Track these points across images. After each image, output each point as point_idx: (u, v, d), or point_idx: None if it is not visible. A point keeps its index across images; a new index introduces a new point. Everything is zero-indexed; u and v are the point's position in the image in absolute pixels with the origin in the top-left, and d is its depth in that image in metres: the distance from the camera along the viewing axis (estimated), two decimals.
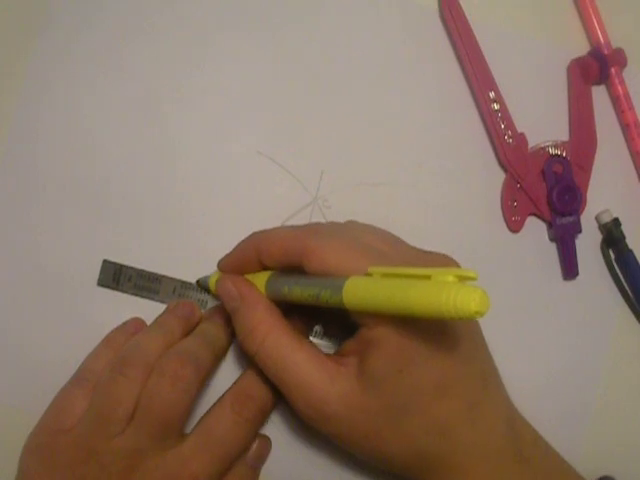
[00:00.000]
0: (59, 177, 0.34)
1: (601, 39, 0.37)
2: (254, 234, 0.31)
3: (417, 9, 0.37)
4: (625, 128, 0.37)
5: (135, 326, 0.33)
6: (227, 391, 0.31)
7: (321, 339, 0.34)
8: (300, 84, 0.36)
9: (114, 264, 0.34)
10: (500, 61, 0.36)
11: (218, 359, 0.32)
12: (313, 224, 0.32)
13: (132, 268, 0.34)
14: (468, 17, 0.36)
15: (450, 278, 0.22)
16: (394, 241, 0.30)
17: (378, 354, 0.26)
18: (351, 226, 0.31)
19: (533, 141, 0.36)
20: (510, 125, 0.36)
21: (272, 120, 0.36)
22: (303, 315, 0.32)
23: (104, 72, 0.35)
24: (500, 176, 0.36)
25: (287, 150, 0.35)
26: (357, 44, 0.36)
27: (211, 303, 0.34)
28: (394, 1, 0.37)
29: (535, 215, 0.36)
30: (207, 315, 0.34)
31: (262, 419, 0.31)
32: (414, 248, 0.30)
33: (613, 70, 0.37)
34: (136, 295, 0.34)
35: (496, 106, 0.35)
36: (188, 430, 0.30)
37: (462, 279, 0.22)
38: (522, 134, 0.36)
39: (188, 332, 0.32)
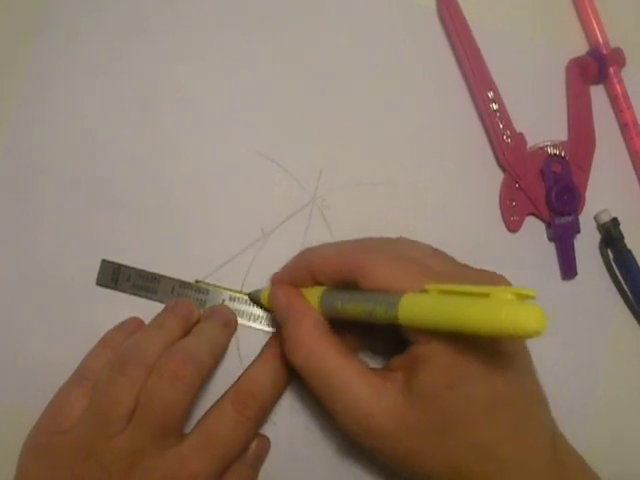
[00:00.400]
0: (59, 177, 0.34)
1: (600, 39, 0.37)
2: (307, 250, 0.32)
3: (415, 9, 0.37)
4: (624, 127, 0.37)
5: (133, 325, 0.33)
6: (227, 391, 0.31)
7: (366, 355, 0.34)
8: (299, 84, 0.36)
9: (113, 264, 0.34)
10: (498, 61, 0.36)
11: (217, 359, 0.32)
12: (364, 240, 0.31)
13: (131, 268, 0.34)
14: (466, 17, 0.36)
15: (509, 296, 0.22)
16: (445, 258, 0.30)
17: (428, 370, 0.26)
18: (402, 242, 0.31)
19: (532, 141, 0.36)
20: (509, 125, 0.36)
21: (271, 120, 0.36)
22: (352, 331, 0.32)
23: (104, 72, 0.35)
24: (499, 176, 0.36)
25: (286, 150, 0.35)
26: (356, 44, 0.36)
27: (209, 303, 0.34)
28: (392, 1, 0.37)
29: (534, 215, 0.36)
30: (205, 315, 0.34)
31: (263, 418, 0.31)
32: (465, 265, 0.30)
33: (612, 70, 0.37)
34: (135, 295, 0.34)
35: (495, 106, 0.35)
36: (187, 430, 0.30)
37: (520, 297, 0.22)
38: (521, 134, 0.36)
39: (187, 331, 0.32)
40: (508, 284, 0.28)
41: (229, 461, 0.30)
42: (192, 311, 0.33)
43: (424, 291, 0.25)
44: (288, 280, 0.32)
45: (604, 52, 0.37)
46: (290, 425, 0.34)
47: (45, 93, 0.35)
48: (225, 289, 0.34)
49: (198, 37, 0.36)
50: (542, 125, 0.36)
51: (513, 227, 0.36)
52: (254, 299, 0.34)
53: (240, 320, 0.34)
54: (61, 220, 0.34)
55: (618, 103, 0.37)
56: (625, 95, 0.37)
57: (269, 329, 0.34)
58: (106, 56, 0.35)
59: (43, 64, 0.35)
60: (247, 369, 0.32)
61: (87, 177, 0.35)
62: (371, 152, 0.36)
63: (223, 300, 0.34)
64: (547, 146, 0.36)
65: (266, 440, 0.33)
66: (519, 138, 0.36)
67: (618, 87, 0.37)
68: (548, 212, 0.36)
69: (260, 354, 0.33)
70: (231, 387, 0.31)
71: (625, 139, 0.37)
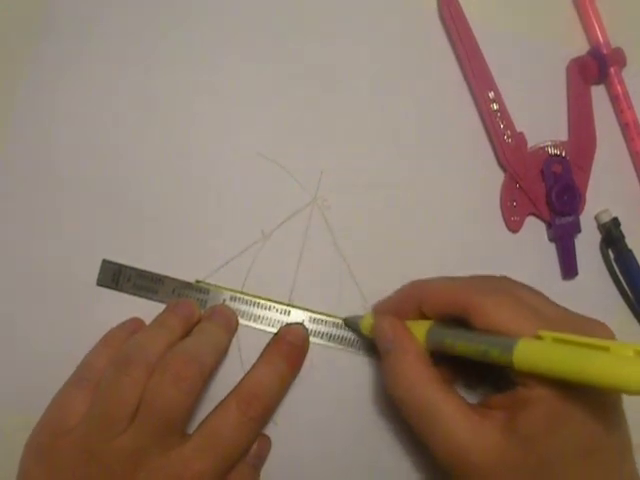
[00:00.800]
0: (60, 177, 0.34)
1: (600, 39, 0.37)
2: (415, 282, 0.32)
3: (416, 9, 0.37)
4: (624, 127, 0.37)
5: (134, 325, 0.33)
6: (231, 392, 0.31)
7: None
8: (299, 84, 0.36)
9: (113, 264, 0.34)
10: (499, 61, 0.36)
11: (219, 359, 0.32)
12: (472, 278, 0.32)
13: (132, 268, 0.34)
14: (467, 16, 0.36)
15: (630, 353, 0.23)
16: (552, 303, 0.30)
17: (532, 413, 0.26)
18: (508, 283, 0.31)
19: (532, 141, 0.36)
20: (509, 125, 0.36)
21: (271, 121, 0.36)
22: (449, 364, 0.32)
23: (106, 73, 0.35)
24: (499, 176, 0.36)
25: (286, 150, 0.35)
26: (356, 44, 0.36)
27: (210, 303, 0.34)
28: (393, 1, 0.37)
29: (534, 215, 0.36)
30: (207, 315, 0.34)
31: (266, 419, 0.31)
32: (568, 310, 0.30)
33: (612, 70, 0.37)
34: (135, 295, 0.34)
35: (495, 106, 0.35)
36: (190, 431, 0.30)
37: None
38: (521, 134, 0.36)
39: (188, 331, 0.32)
40: (612, 334, 0.28)
41: (232, 461, 0.30)
42: (193, 311, 0.33)
43: (538, 337, 0.26)
44: (393, 310, 0.32)
45: (605, 52, 0.37)
46: (291, 425, 0.34)
47: (47, 93, 0.35)
48: (226, 289, 0.34)
49: (200, 39, 0.36)
50: (543, 125, 0.36)
51: (514, 227, 0.36)
52: (350, 325, 0.34)
53: (241, 320, 0.34)
54: (62, 220, 0.34)
55: (619, 103, 0.37)
56: (626, 95, 0.37)
57: (270, 329, 0.34)
58: (109, 57, 0.35)
59: (44, 66, 0.35)
60: (250, 370, 0.32)
61: (88, 177, 0.34)
62: (372, 153, 0.36)
63: (224, 300, 0.34)
64: (548, 146, 0.36)
65: (267, 440, 0.33)
66: (520, 138, 0.36)
67: (619, 87, 0.37)
68: (549, 212, 0.36)
69: (262, 354, 0.33)
70: (235, 388, 0.31)
71: (626, 139, 0.37)
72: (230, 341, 0.33)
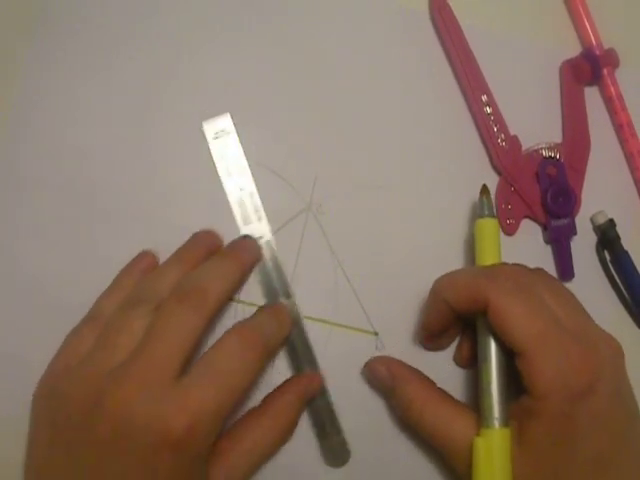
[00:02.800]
0: (57, 178, 0.34)
1: (593, 40, 0.37)
2: (437, 281, 0.32)
3: (408, 12, 0.37)
4: (618, 129, 0.37)
5: (145, 263, 0.33)
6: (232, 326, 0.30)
7: None
8: (292, 89, 0.36)
9: None
10: (492, 63, 0.36)
11: (229, 287, 0.31)
12: (502, 267, 0.31)
13: None
14: (459, 20, 0.36)
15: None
16: (575, 308, 0.30)
17: (538, 424, 0.27)
18: (536, 280, 0.30)
19: (526, 144, 0.36)
20: (503, 128, 0.35)
21: (265, 126, 0.36)
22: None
23: (97, 73, 0.35)
24: (494, 179, 0.36)
25: (281, 156, 0.35)
26: (349, 48, 0.36)
27: None
28: (385, 5, 0.37)
29: (529, 218, 0.36)
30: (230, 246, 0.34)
31: (267, 355, 0.30)
32: (588, 321, 0.30)
33: (605, 71, 0.37)
34: None
35: (489, 109, 0.35)
36: None
37: None
38: (515, 137, 0.36)
39: None
40: (622, 350, 0.29)
41: (238, 393, 0.29)
42: (214, 241, 0.33)
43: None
44: (428, 322, 0.33)
45: (597, 53, 0.37)
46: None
47: (40, 95, 0.35)
48: None
49: (192, 42, 0.36)
50: (537, 128, 0.36)
51: (509, 230, 0.36)
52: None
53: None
54: (61, 220, 0.34)
55: (612, 104, 0.37)
56: (619, 96, 0.37)
57: None
58: (98, 58, 0.35)
59: (36, 66, 0.35)
60: (255, 313, 0.33)
61: (86, 177, 0.34)
62: (366, 157, 0.36)
63: None
64: (542, 148, 0.36)
65: (318, 375, 0.33)
66: (514, 141, 0.36)
67: (612, 88, 0.37)
68: (544, 215, 0.35)
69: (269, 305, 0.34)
70: (236, 323, 0.31)
71: (620, 140, 0.37)
72: (244, 273, 0.33)
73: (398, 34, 0.37)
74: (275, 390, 0.33)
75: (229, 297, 0.32)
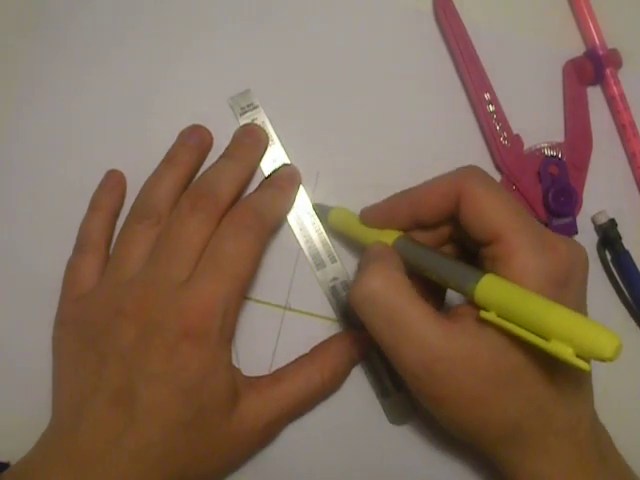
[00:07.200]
0: (57, 177, 0.35)
1: (596, 40, 0.37)
2: (408, 189, 0.30)
3: (412, 11, 0.37)
4: (621, 129, 0.37)
5: (114, 181, 0.34)
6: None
7: None
8: (295, 86, 0.36)
9: None
10: (495, 62, 0.36)
11: (239, 192, 0.32)
12: (466, 167, 0.29)
13: None
14: (463, 18, 0.36)
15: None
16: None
17: None
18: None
19: (529, 142, 0.36)
20: (506, 126, 0.36)
21: (267, 124, 0.36)
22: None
23: (97, 72, 0.35)
24: (496, 178, 0.36)
25: (282, 154, 0.35)
26: (352, 46, 0.36)
27: None
28: (389, 3, 0.37)
29: None
30: (236, 136, 0.34)
31: (267, 228, 0.31)
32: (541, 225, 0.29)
33: (608, 71, 0.37)
34: None
35: (491, 108, 0.35)
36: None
37: None
38: (518, 135, 0.36)
39: (204, 158, 0.33)
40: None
41: (244, 277, 0.29)
42: (204, 137, 0.34)
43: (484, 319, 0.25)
44: (381, 218, 0.31)
45: (601, 53, 0.37)
46: (291, 425, 0.34)
47: (38, 93, 0.35)
48: None
49: (193, 39, 0.36)
50: (539, 127, 0.36)
51: None
52: (319, 212, 0.34)
53: None
54: (62, 220, 0.34)
55: (615, 104, 0.37)
56: (622, 96, 0.37)
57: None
58: (93, 58, 0.36)
59: (38, 65, 0.35)
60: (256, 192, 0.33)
61: (86, 177, 0.34)
62: (368, 154, 0.36)
63: None
64: (544, 148, 0.36)
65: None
66: (516, 140, 0.36)
67: (615, 88, 0.37)
68: (545, 214, 0.35)
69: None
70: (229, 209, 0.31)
71: (622, 140, 0.37)
72: (253, 174, 0.34)
73: (402, 33, 0.37)
74: (324, 341, 0.33)
75: (239, 198, 0.33)
